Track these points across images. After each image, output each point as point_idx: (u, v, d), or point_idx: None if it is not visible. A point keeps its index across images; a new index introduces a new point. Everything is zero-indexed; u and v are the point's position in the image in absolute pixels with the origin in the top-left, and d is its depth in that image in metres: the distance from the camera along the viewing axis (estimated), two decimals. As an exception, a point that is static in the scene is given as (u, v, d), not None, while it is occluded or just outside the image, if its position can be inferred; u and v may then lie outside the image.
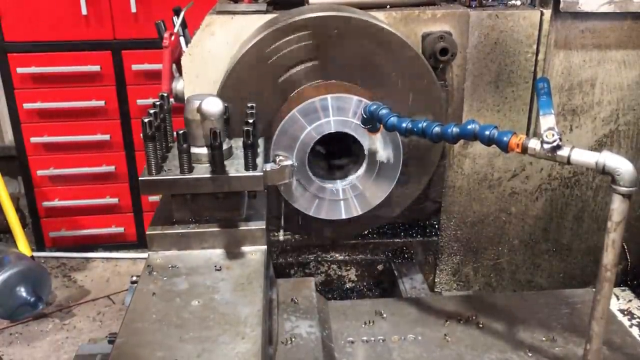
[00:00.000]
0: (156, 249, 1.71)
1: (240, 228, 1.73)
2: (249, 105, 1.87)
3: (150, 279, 1.60)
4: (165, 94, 1.82)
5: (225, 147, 1.74)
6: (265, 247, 1.72)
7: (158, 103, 1.76)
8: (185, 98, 1.77)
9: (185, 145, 1.65)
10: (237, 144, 1.82)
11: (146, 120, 1.63)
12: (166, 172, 1.70)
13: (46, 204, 4.44)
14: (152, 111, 1.68)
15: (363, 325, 2.01)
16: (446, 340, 1.93)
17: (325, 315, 2.04)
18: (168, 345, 1.36)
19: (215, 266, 1.64)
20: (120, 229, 4.59)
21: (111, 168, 4.36)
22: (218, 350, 1.35)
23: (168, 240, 1.71)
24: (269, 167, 1.78)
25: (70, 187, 4.43)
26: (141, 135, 1.68)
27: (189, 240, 1.71)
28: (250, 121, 1.72)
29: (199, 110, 1.68)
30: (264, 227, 1.73)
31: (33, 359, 3.53)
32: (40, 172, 4.35)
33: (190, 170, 1.69)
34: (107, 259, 4.56)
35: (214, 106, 1.65)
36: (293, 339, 1.81)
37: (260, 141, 1.89)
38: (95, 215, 4.54)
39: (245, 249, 1.72)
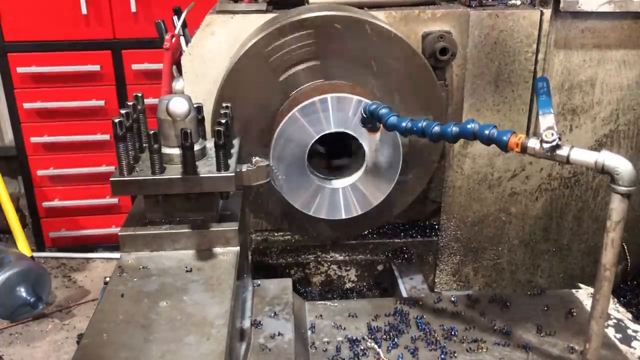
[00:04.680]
0: (128, 250, 1.69)
1: (213, 229, 1.71)
2: (224, 105, 1.86)
3: (120, 280, 1.59)
4: (140, 94, 1.81)
5: (198, 147, 1.72)
6: (238, 248, 1.71)
7: (131, 103, 1.75)
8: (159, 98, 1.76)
9: (156, 146, 1.63)
10: (212, 144, 1.79)
11: (117, 120, 1.62)
12: (138, 172, 1.69)
13: (46, 204, 4.44)
14: (123, 111, 1.66)
15: (339, 326, 2.01)
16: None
17: (301, 315, 2.04)
18: (132, 346, 1.35)
19: (186, 267, 1.63)
20: (120, 229, 4.59)
21: (111, 168, 4.35)
22: (182, 351, 1.34)
23: (140, 241, 1.69)
24: (245, 167, 1.76)
25: (70, 187, 4.43)
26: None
27: (162, 241, 1.69)
28: (223, 121, 1.71)
29: (166, 110, 1.66)
30: (237, 228, 1.72)
31: (33, 359, 3.53)
32: (40, 172, 4.34)
33: (162, 170, 1.67)
34: (107, 259, 4.56)
35: (180, 106, 1.62)
36: (267, 340, 1.81)
37: (236, 141, 1.87)
38: (95, 215, 4.54)
39: (218, 250, 1.70)
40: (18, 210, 4.50)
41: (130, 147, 1.68)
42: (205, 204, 1.74)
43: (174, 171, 1.68)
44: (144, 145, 1.83)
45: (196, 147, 1.70)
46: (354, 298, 2.54)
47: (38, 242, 4.57)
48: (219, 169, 1.68)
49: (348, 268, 2.59)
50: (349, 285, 2.60)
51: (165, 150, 1.70)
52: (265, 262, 2.55)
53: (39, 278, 3.74)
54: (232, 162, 1.72)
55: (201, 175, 1.67)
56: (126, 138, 1.65)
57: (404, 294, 2.36)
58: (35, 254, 4.23)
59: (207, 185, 1.68)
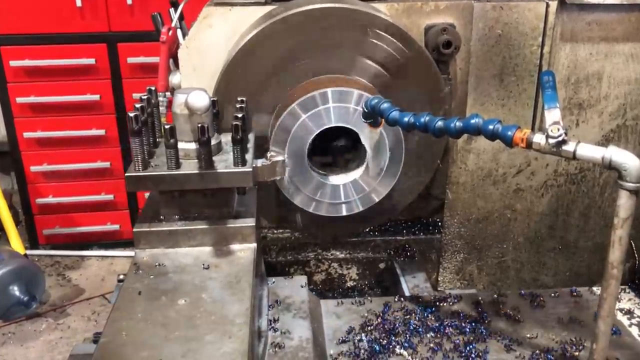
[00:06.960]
0: (143, 246, 1.68)
1: (229, 225, 1.70)
2: (239, 99, 1.84)
3: (136, 277, 1.58)
4: (153, 88, 1.79)
5: (214, 142, 1.71)
6: (255, 244, 1.70)
7: (145, 97, 1.73)
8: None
9: (172, 141, 1.61)
10: (227, 139, 1.79)
11: (132, 114, 1.60)
12: (153, 167, 1.67)
13: (40, 200, 4.39)
14: (138, 105, 1.65)
15: (356, 324, 1.98)
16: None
17: (317, 314, 2.02)
18: (153, 344, 1.34)
19: (204, 264, 1.62)
20: (116, 227, 4.54)
21: (106, 164, 4.31)
22: (204, 349, 1.32)
23: (155, 238, 1.68)
24: (260, 162, 1.75)
25: (65, 184, 4.38)
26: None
27: (177, 237, 1.68)
28: (240, 115, 1.68)
29: (185, 104, 1.64)
30: (254, 224, 1.70)
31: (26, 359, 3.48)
32: (33, 168, 4.29)
33: (178, 166, 1.65)
34: (102, 257, 4.52)
35: (201, 100, 1.61)
36: (284, 339, 1.79)
37: (251, 136, 1.85)
38: (90, 212, 4.49)
39: (235, 246, 1.69)
40: (11, 207, 4.45)
41: (145, 142, 1.66)
42: (222, 199, 1.73)
43: (190, 166, 1.67)
44: (158, 140, 1.81)
45: (212, 142, 1.68)
46: (356, 297, 2.50)
47: (31, 239, 4.52)
48: (236, 164, 1.67)
49: (349, 266, 2.55)
50: (350, 283, 2.57)
51: (181, 145, 1.67)
52: (264, 260, 2.51)
53: (33, 276, 3.70)
54: (248, 157, 1.71)
55: (219, 171, 1.65)
56: (142, 132, 1.63)
57: (407, 293, 2.33)
58: (29, 252, 4.18)
59: (224, 181, 1.67)
